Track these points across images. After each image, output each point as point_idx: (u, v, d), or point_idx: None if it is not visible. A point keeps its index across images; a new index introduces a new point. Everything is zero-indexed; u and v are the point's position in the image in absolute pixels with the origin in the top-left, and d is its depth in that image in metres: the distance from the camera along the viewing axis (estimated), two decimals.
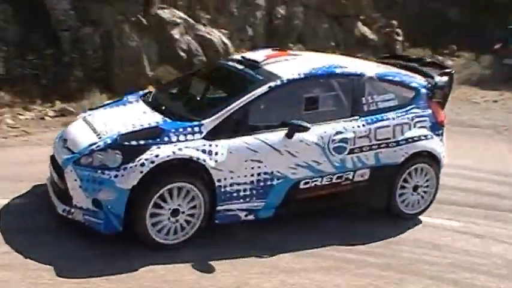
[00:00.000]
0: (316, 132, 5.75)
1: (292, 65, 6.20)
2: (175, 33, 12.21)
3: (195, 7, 12.74)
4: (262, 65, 6.08)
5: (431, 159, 6.47)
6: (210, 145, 5.29)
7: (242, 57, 6.63)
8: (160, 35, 11.89)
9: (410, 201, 6.51)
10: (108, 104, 6.80)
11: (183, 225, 5.29)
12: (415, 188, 6.49)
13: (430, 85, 6.62)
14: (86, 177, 5.03)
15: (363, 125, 6.03)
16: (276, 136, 5.58)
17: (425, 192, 6.57)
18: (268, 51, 6.75)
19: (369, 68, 6.61)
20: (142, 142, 5.12)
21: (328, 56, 7.28)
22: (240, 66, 6.27)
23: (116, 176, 4.94)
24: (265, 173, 5.56)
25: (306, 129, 5.55)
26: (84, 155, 5.17)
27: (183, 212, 5.24)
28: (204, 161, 5.20)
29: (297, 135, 5.62)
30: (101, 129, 5.51)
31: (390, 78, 6.49)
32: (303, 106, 5.89)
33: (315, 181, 5.85)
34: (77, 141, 5.50)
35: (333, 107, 6.09)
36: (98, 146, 5.18)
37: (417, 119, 6.40)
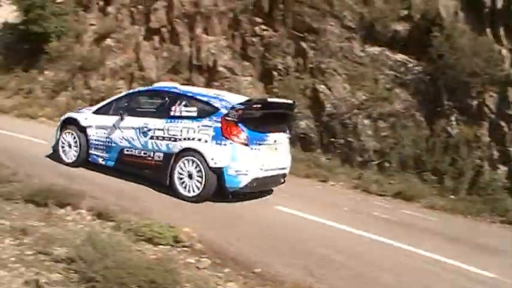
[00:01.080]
0: (136, 121, 9.84)
1: (156, 84, 11.25)
2: None
3: None
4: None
5: (201, 156, 8.89)
6: (89, 116, 10.57)
7: None
8: None
9: (188, 185, 9.01)
10: None
11: (75, 150, 10.56)
12: (190, 176, 9.01)
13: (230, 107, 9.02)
14: None
15: (162, 123, 9.52)
16: (117, 118, 10.10)
17: (198, 180, 8.91)
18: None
19: (191, 90, 10.18)
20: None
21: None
22: None
23: None
24: (108, 138, 10.15)
25: (122, 116, 10.01)
26: None
27: (74, 143, 10.58)
28: (80, 121, 10.55)
29: (125, 120, 9.96)
30: None
31: (199, 98, 9.52)
32: (137, 106, 10.18)
33: (131, 151, 9.85)
34: None
35: (154, 109, 9.91)
36: None
37: (203, 128, 9.10)
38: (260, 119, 9.24)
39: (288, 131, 10.20)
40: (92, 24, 20.39)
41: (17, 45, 22.22)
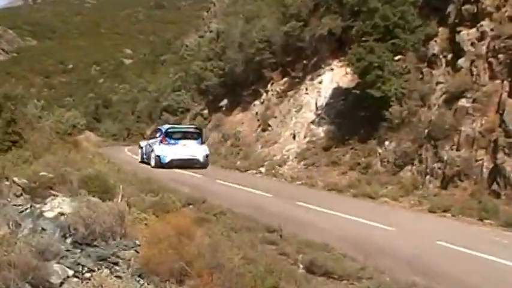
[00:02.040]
0: (150, 141, 27.09)
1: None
2: None
3: None
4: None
5: (153, 149, 25.27)
6: (143, 142, 30.14)
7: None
8: None
9: (152, 161, 25.13)
10: None
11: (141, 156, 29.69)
12: (153, 157, 25.70)
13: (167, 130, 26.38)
14: None
15: (153, 141, 26.26)
16: (147, 142, 27.90)
17: (153, 159, 25.31)
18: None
19: (163, 126, 29.17)
20: None
21: None
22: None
23: None
24: (146, 150, 27.62)
25: (148, 141, 27.74)
26: None
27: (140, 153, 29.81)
28: (140, 144, 29.98)
29: (147, 142, 27.66)
30: None
31: (160, 128, 27.61)
32: (153, 135, 27.88)
33: (147, 154, 26.41)
34: None
35: (154, 136, 26.82)
36: None
37: (157, 138, 25.64)
38: (175, 134, 25.47)
39: (198, 140, 25.55)
40: (440, 83, 17.73)
41: (352, 113, 21.27)
